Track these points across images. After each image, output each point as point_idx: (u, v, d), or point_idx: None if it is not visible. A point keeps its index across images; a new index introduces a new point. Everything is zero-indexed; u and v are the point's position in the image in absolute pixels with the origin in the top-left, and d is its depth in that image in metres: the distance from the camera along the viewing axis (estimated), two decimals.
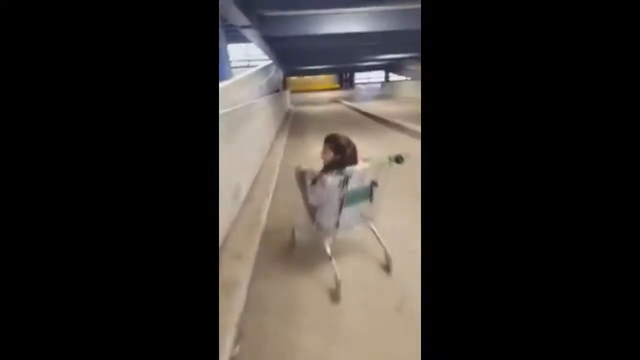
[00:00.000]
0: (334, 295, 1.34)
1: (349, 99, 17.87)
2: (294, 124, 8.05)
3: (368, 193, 1.59)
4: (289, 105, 14.19)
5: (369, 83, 34.99)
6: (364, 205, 1.61)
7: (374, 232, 1.68)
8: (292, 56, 11.87)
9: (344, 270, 1.53)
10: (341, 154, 1.51)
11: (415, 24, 6.04)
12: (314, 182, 1.53)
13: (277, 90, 11.88)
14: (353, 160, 1.50)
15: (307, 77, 33.03)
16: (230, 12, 4.35)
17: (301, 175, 1.69)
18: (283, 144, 5.31)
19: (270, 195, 2.81)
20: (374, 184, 1.56)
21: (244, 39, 6.81)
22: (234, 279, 1.41)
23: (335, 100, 17.64)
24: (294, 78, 30.15)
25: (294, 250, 1.78)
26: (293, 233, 1.90)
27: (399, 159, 1.42)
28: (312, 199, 1.55)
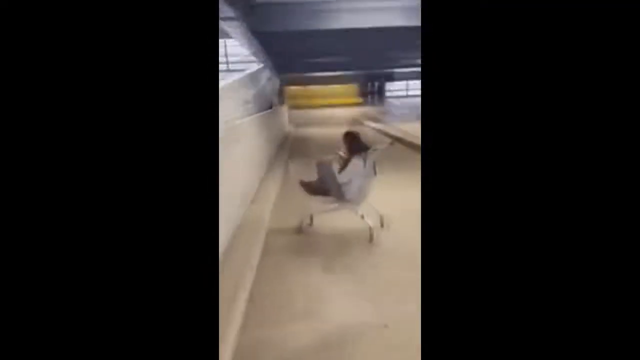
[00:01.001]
0: (370, 237, 3.52)
1: (376, 118, 18.61)
2: (293, 156, 8.23)
3: (374, 170, 3.69)
4: (287, 128, 14.80)
5: (406, 97, 34.69)
6: (371, 179, 3.71)
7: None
8: (293, 58, 11.97)
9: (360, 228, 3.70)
10: (356, 143, 3.70)
11: None
12: (343, 166, 3.63)
13: (271, 107, 12.22)
14: (364, 146, 3.67)
15: (314, 88, 33.15)
16: None
17: (326, 164, 3.72)
18: (275, 189, 5.29)
19: (251, 278, 2.85)
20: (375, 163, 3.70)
21: (222, 34, 6.54)
22: None
23: (356, 121, 18.10)
24: (294, 88, 30.32)
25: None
26: (311, 218, 4.02)
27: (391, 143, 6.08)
28: (343, 178, 3.59)
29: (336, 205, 3.75)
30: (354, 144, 3.75)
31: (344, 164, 3.69)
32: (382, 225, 3.89)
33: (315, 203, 3.87)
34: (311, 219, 4.03)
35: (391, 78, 29.03)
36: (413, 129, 11.20)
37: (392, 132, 11.29)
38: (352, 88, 36.73)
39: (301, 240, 3.66)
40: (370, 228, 3.56)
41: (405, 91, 35.77)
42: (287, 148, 9.79)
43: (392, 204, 4.42)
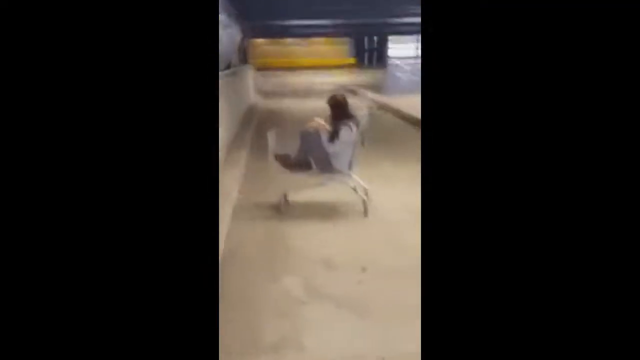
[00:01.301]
0: (365, 211, 4.09)
1: (375, 87, 17.61)
2: (260, 138, 7.44)
3: (362, 140, 4.09)
4: (252, 99, 13.94)
5: (416, 58, 28.59)
6: (359, 150, 4.13)
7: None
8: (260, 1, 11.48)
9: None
10: (342, 109, 3.95)
11: None
12: (333, 135, 3.85)
13: (229, 67, 11.15)
14: (351, 113, 4.00)
15: (290, 42, 30.07)
16: None
17: (313, 133, 3.90)
18: (233, 195, 4.73)
19: None
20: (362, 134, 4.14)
21: None
22: None
23: (350, 90, 16.41)
24: (263, 42, 27.10)
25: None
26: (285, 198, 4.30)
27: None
28: (333, 148, 3.85)
29: (322, 179, 4.02)
30: (341, 110, 3.96)
31: (334, 132, 3.89)
32: (365, 200, 4.15)
33: (294, 178, 4.08)
34: (285, 196, 4.19)
35: (397, 31, 24.41)
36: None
37: (405, 109, 10.46)
38: (342, 44, 33.38)
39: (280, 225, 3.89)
40: (364, 201, 4.03)
41: (416, 49, 30.33)
42: (252, 127, 9.13)
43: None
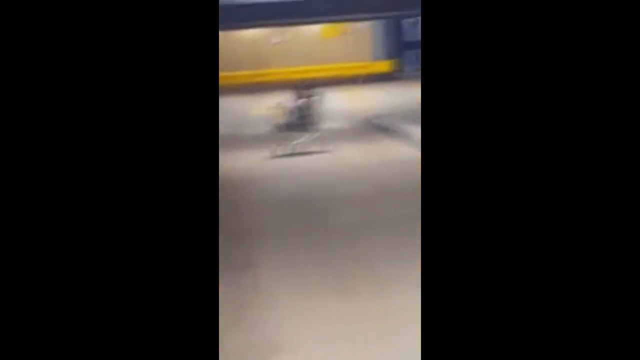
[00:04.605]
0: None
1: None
2: None
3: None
4: None
5: None
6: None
7: None
8: None
9: None
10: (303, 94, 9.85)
11: None
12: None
13: None
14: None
15: (261, 36, 18.20)
16: None
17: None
18: None
19: None
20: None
21: None
22: None
23: (383, 128, 10.82)
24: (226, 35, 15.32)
25: None
26: None
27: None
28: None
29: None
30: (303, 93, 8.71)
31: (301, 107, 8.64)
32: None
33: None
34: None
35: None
36: None
37: None
38: (360, 34, 18.24)
39: None
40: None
41: None
42: None
43: None
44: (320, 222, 5.48)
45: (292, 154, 8.94)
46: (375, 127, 11.35)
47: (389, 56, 19.54)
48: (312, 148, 9.02)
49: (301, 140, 8.94)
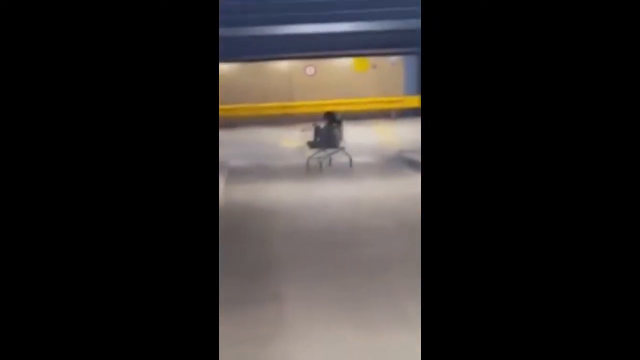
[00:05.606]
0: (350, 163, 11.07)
1: None
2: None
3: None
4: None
5: None
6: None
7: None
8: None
9: None
10: (332, 117, 13.19)
11: None
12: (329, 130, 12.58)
13: None
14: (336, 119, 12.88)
15: (274, 70, 17.19)
16: None
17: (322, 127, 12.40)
18: None
19: None
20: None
21: None
22: None
23: (409, 162, 10.76)
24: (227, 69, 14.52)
25: None
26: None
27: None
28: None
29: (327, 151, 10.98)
30: (332, 117, 11.69)
31: (329, 128, 11.58)
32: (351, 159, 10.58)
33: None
34: (308, 160, 11.41)
35: None
36: None
37: None
38: (391, 69, 16.70)
39: None
40: (350, 159, 11.15)
41: None
42: None
43: None
44: (345, 256, 5.40)
45: (320, 166, 11.23)
46: (406, 161, 11.33)
47: (420, 91, 19.43)
48: (338, 159, 11.37)
49: (330, 153, 11.32)
